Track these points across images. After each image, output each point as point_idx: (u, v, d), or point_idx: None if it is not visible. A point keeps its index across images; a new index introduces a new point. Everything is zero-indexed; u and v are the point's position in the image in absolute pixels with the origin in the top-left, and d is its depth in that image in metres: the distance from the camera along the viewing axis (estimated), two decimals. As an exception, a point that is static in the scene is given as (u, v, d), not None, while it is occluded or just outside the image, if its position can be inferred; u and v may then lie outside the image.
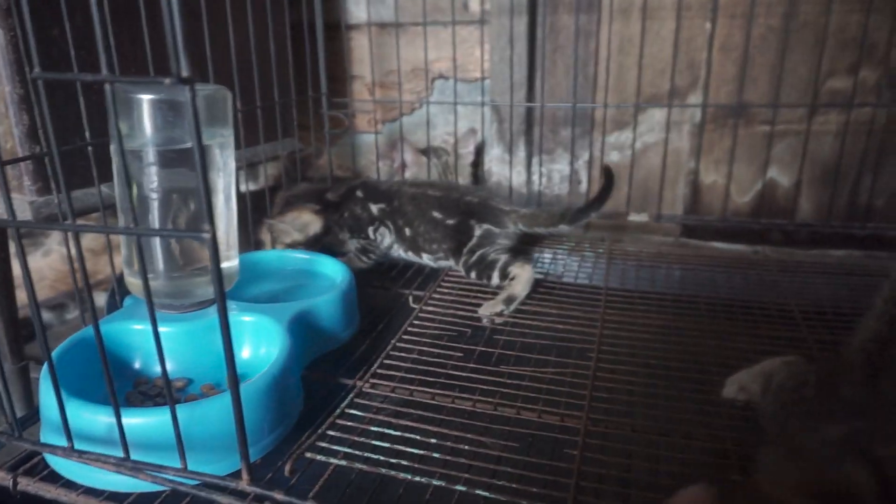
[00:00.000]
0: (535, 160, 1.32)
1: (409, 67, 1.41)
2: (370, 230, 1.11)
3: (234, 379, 0.46)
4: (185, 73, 0.37)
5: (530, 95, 1.28)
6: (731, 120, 1.22)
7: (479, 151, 1.40)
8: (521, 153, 1.32)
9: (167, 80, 0.37)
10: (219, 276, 0.43)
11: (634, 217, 1.26)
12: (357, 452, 0.64)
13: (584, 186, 1.33)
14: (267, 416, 0.65)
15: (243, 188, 1.19)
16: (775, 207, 1.26)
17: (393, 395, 0.76)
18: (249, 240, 1.15)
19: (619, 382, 0.78)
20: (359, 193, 1.12)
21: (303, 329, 0.80)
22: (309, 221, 1.11)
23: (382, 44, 1.40)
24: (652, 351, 0.85)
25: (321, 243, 1.13)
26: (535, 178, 1.35)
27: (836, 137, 1.18)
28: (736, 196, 1.28)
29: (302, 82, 1.28)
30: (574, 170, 1.33)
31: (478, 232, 1.05)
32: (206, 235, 0.41)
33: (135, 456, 0.54)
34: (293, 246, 1.09)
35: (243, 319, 0.78)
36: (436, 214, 1.07)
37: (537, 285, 1.06)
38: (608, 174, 1.04)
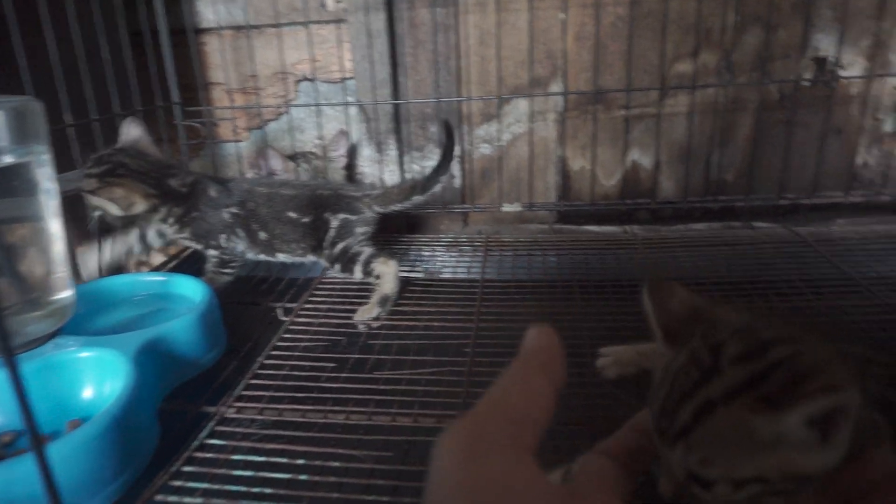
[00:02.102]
0: (406, 158, 1.30)
1: (269, 71, 1.34)
2: (222, 239, 1.03)
3: (36, 436, 0.40)
4: None
5: (395, 93, 1.25)
6: (592, 106, 1.26)
7: (353, 153, 1.36)
8: (391, 152, 1.29)
9: None
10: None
11: (508, 207, 1.27)
12: (217, 487, 0.59)
13: (458, 181, 1.33)
14: (109, 461, 0.58)
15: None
16: (640, 188, 1.31)
17: (260, 417, 0.71)
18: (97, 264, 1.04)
19: (497, 375, 0.76)
20: (212, 193, 1.03)
21: (156, 358, 0.73)
22: (135, 203, 0.96)
23: (239, 48, 1.33)
24: (528, 339, 0.85)
25: (135, 225, 1.03)
26: (408, 176, 1.33)
27: (686, 118, 1.24)
28: (603, 180, 1.32)
29: (147, 92, 1.18)
30: (447, 165, 1.32)
31: (334, 223, 1.01)
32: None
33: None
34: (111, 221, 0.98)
35: (80, 356, 0.70)
36: (291, 214, 1.02)
37: (414, 284, 1.04)
38: (448, 130, 1.03)
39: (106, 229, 1.03)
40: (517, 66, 1.25)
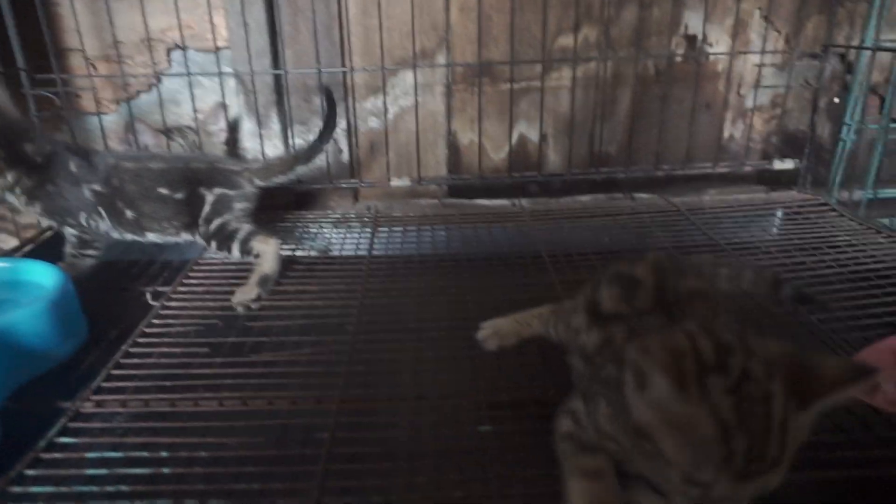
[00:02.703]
0: (290, 132, 1.25)
1: (136, 38, 1.24)
2: (81, 217, 0.94)
3: None
4: None
5: (275, 63, 1.19)
6: (478, 79, 1.25)
7: (234, 128, 1.28)
8: (274, 125, 1.23)
9: None
10: None
11: (397, 182, 1.25)
12: (65, 490, 0.54)
13: (345, 156, 1.29)
14: (-66, 471, 0.52)
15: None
16: (528, 161, 1.33)
17: (123, 410, 0.66)
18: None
19: (380, 352, 0.75)
20: (72, 168, 0.93)
21: (-3, 353, 0.66)
22: None
23: (98, 10, 1.21)
24: (415, 314, 0.84)
25: None
26: (293, 150, 1.27)
27: (570, 92, 1.26)
28: (492, 153, 1.32)
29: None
30: (334, 139, 1.28)
31: (210, 199, 0.96)
32: None
33: None
34: None
35: None
36: (162, 190, 0.94)
37: (299, 263, 1.00)
38: (328, 97, 1.00)
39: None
40: (403, 38, 1.22)
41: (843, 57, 1.27)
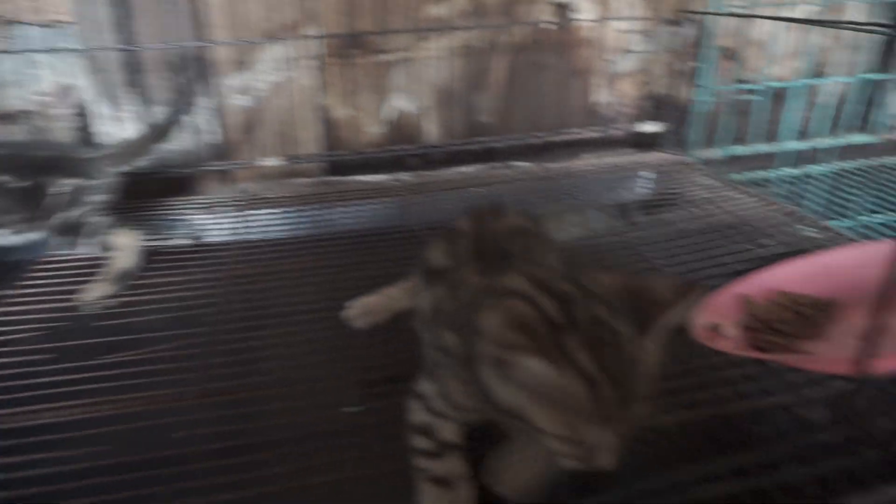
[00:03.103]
0: (149, 114, 1.16)
1: (-41, 12, 1.10)
2: None
3: None
4: None
5: (127, 38, 1.10)
6: (350, 51, 1.22)
7: (84, 111, 1.18)
8: (130, 107, 1.14)
9: None
10: None
11: (269, 162, 1.20)
12: None
13: (215, 137, 1.22)
14: None
15: None
16: (407, 134, 1.31)
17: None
18: None
19: (246, 340, 0.72)
20: None
21: None
22: None
23: None
24: (285, 298, 0.82)
25: None
26: (147, 129, 1.19)
27: (444, 62, 1.25)
28: (369, 127, 1.30)
29: None
30: (191, 116, 1.20)
31: (58, 189, 0.87)
32: None
33: None
34: None
35: None
36: (2, 177, 0.85)
37: (164, 253, 0.94)
38: (180, 67, 0.95)
39: None
40: (267, 9, 1.16)
41: (700, 24, 1.33)
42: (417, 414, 0.51)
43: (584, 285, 0.42)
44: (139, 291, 0.84)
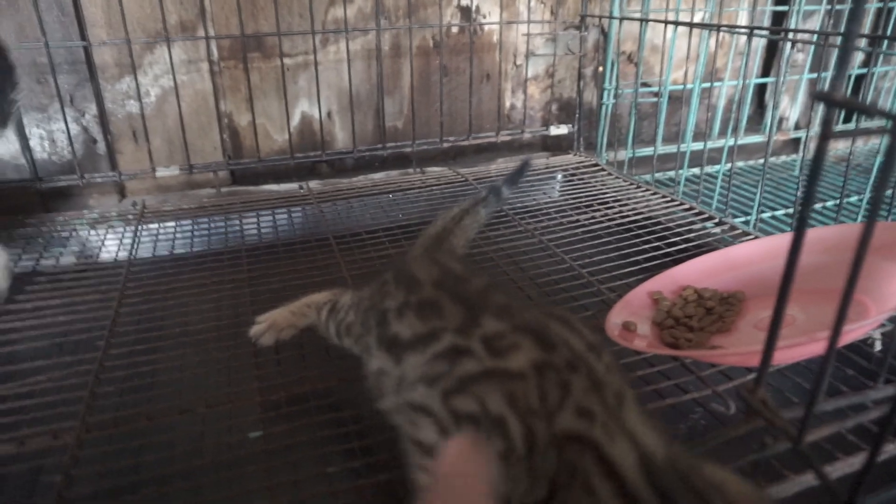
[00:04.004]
0: (26, 120, 1.06)
1: None
2: None
3: None
4: None
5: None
6: (249, 54, 1.16)
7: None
8: None
9: None
10: None
11: (164, 172, 1.12)
12: None
13: (101, 146, 1.12)
14: None
15: None
16: (314, 140, 1.26)
17: None
18: None
19: (136, 366, 0.66)
20: None
21: None
22: None
23: None
24: (181, 317, 0.75)
25: None
26: (35, 143, 1.08)
27: (350, 66, 1.21)
28: (275, 134, 1.24)
29: None
30: (84, 127, 1.11)
31: None
32: None
33: None
34: None
35: None
36: None
37: (41, 274, 0.85)
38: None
39: None
40: (155, 8, 1.08)
41: (602, 28, 1.36)
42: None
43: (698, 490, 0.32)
44: (12, 318, 0.75)
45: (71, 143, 1.07)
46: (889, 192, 0.85)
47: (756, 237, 0.88)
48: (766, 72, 1.57)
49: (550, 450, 0.34)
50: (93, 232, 0.99)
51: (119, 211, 1.07)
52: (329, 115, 1.26)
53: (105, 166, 1.14)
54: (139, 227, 0.99)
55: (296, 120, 1.24)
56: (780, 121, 1.56)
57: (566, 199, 1.12)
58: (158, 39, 1.09)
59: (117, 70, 1.11)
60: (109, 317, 0.74)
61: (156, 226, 1.01)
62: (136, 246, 0.93)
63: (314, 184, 1.23)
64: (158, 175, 1.12)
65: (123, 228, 1.00)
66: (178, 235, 0.99)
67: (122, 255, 0.92)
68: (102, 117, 1.11)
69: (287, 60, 1.18)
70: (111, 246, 0.95)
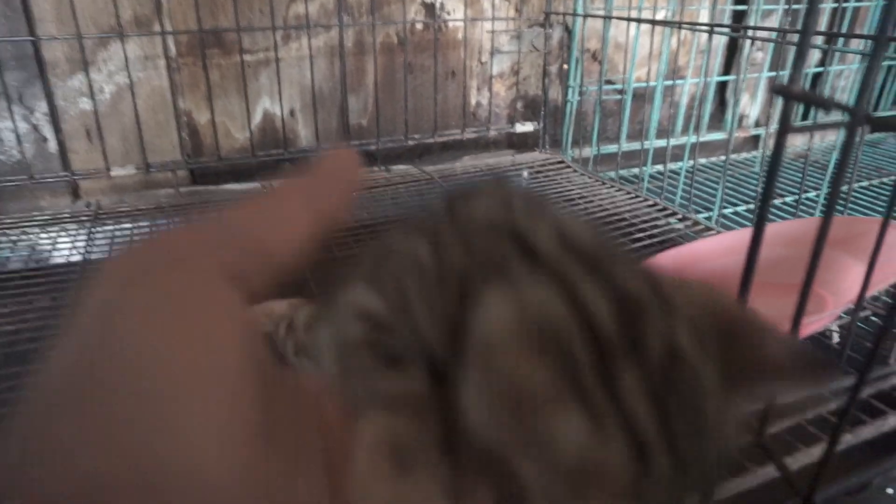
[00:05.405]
0: (-30, 120, 1.01)
1: None
2: None
3: None
4: None
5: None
6: (208, 50, 1.13)
7: None
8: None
9: None
10: None
11: (119, 171, 1.09)
12: None
13: (52, 145, 1.08)
14: None
15: None
16: (277, 138, 1.24)
17: None
18: None
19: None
20: None
21: None
22: None
23: None
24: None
25: None
26: (-19, 143, 1.04)
27: (313, 63, 1.19)
28: (236, 133, 1.21)
29: None
30: (33, 125, 1.07)
31: None
32: None
33: None
34: None
35: None
36: None
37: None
38: None
39: None
40: (108, 3, 1.05)
41: (567, 26, 1.37)
42: None
43: (663, 293, 0.23)
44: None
45: (19, 142, 1.03)
46: (845, 187, 0.87)
47: (718, 232, 0.90)
48: (727, 70, 1.59)
49: None
50: (43, 234, 0.95)
51: (72, 212, 1.03)
52: (292, 112, 1.23)
53: (57, 166, 1.09)
54: (93, 229, 0.96)
55: (257, 118, 1.22)
56: (741, 118, 1.58)
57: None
58: (112, 35, 1.05)
59: (69, 66, 1.07)
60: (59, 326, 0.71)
61: (110, 227, 0.98)
62: (89, 248, 0.90)
63: (276, 182, 1.20)
64: (114, 174, 1.08)
65: (75, 230, 0.96)
66: (135, 237, 0.96)
67: (76, 257, 0.89)
68: (53, 115, 1.07)
69: (247, 57, 1.15)
70: (63, 248, 0.92)
